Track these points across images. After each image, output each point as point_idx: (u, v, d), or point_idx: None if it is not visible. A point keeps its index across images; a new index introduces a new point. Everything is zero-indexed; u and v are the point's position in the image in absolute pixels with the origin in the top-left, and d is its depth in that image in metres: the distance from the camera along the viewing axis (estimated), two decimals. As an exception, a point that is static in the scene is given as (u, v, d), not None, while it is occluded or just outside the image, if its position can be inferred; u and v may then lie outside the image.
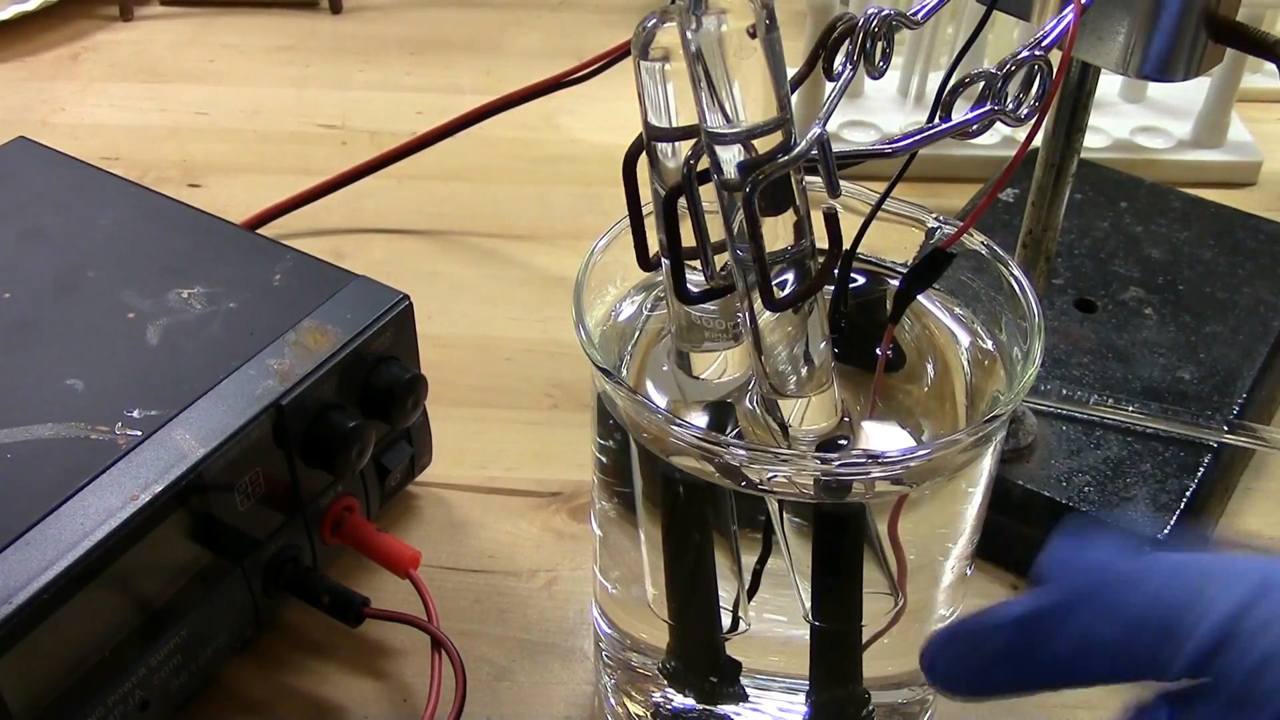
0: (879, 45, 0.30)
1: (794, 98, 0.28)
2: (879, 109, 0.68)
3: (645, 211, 0.31)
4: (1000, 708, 0.41)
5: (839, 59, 0.30)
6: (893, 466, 0.30)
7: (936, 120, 0.30)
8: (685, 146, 0.29)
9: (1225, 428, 0.46)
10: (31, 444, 0.37)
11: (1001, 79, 0.30)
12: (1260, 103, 0.72)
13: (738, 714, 0.35)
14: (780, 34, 0.27)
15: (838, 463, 0.30)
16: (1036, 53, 0.30)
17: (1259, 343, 0.50)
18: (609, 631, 0.38)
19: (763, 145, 0.27)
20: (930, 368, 0.34)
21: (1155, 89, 0.70)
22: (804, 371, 0.30)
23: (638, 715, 0.38)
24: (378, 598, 0.42)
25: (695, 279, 0.30)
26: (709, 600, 0.33)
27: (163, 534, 0.36)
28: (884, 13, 0.30)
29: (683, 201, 0.29)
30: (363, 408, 0.42)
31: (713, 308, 0.31)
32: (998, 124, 0.30)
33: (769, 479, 0.30)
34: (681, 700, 0.36)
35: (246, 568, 0.40)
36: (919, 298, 0.34)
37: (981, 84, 0.30)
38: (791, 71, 0.28)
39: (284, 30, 0.79)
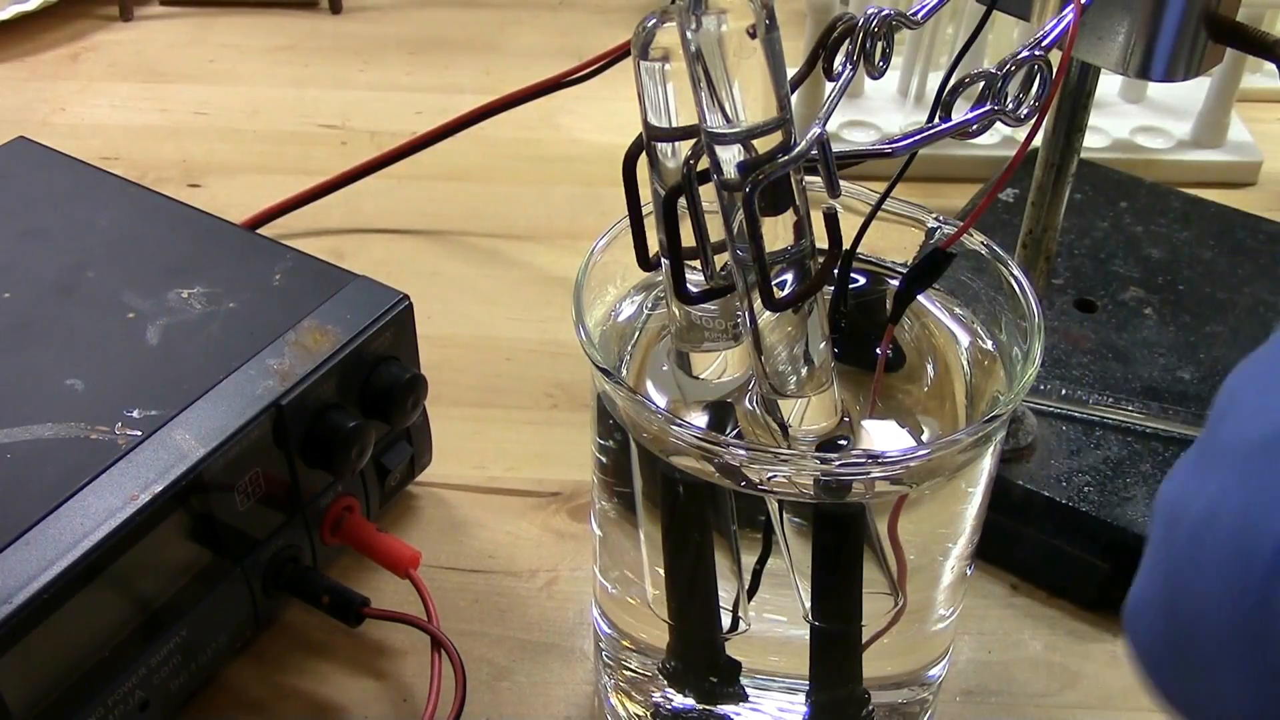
0: (879, 45, 0.30)
1: (794, 98, 0.28)
2: (879, 109, 0.68)
3: (645, 211, 0.31)
4: (1000, 707, 0.41)
5: (839, 59, 0.30)
6: (893, 466, 0.30)
7: (936, 120, 0.30)
8: (685, 146, 0.29)
9: (1225, 428, 0.46)
10: (31, 444, 0.37)
11: (1001, 79, 0.30)
12: (1260, 103, 0.72)
13: (738, 714, 0.35)
14: (780, 34, 0.27)
15: (838, 463, 0.30)
16: (1036, 53, 0.30)
17: (1259, 343, 0.50)
18: (609, 631, 0.38)
19: (763, 145, 0.27)
20: (930, 368, 0.34)
21: (1155, 89, 0.70)
22: (804, 371, 0.30)
23: (637, 715, 0.38)
24: (378, 598, 0.42)
25: (695, 279, 0.30)
26: (709, 600, 0.33)
27: (163, 534, 0.36)
28: (884, 13, 0.29)
29: (683, 201, 0.29)
30: (363, 408, 0.42)
31: (713, 308, 0.31)
32: (998, 124, 0.30)
33: (769, 479, 0.30)
34: (681, 700, 0.36)
35: (246, 568, 0.40)
36: (919, 298, 0.34)
37: (981, 84, 0.30)
38: (791, 71, 0.28)
39: (284, 30, 0.79)
